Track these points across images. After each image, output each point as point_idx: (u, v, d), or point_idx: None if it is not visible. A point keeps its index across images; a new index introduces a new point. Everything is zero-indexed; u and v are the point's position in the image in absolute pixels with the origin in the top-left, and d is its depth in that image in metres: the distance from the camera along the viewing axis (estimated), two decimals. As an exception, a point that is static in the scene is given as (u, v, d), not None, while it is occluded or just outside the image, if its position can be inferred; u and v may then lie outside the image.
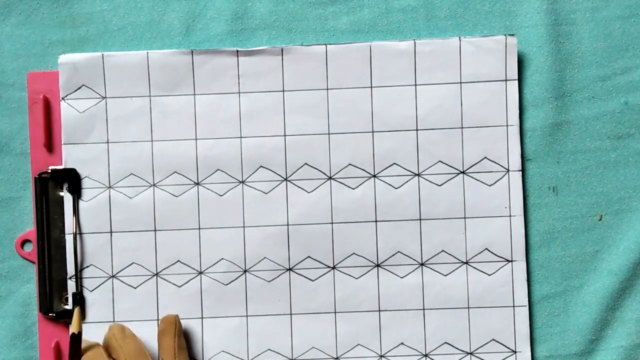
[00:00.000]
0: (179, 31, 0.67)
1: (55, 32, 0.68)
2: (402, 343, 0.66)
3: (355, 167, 0.66)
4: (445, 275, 0.66)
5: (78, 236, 0.66)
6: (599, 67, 0.66)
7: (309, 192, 0.66)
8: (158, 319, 0.66)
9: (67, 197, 0.66)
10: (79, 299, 0.66)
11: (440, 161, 0.66)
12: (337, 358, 0.66)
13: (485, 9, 0.67)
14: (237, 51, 0.66)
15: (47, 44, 0.68)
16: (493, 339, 0.66)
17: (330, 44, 0.66)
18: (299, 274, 0.66)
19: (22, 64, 0.67)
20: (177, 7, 0.67)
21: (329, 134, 0.66)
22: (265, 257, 0.66)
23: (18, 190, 0.67)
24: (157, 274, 0.66)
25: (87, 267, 0.66)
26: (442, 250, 0.66)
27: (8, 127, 0.67)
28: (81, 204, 0.66)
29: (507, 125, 0.66)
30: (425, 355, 0.66)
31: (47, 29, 0.68)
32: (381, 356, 0.66)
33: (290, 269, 0.66)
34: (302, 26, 0.67)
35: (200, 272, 0.66)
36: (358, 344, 0.66)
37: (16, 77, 0.67)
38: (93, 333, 0.66)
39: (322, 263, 0.66)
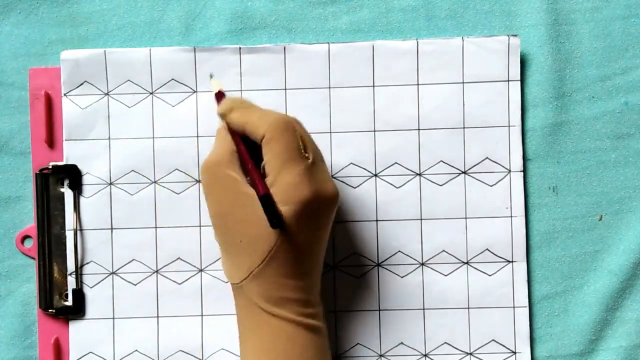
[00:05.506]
0: (178, 31, 0.67)
1: (55, 31, 0.67)
2: (401, 343, 0.66)
3: (357, 166, 0.66)
4: (446, 275, 0.66)
5: (78, 232, 0.66)
6: (599, 67, 0.67)
7: (310, 191, 0.66)
8: (158, 316, 0.66)
9: (68, 193, 0.66)
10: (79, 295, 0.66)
11: (441, 161, 0.66)
12: (336, 357, 0.66)
13: (485, 8, 0.67)
14: (240, 49, 0.66)
15: (46, 43, 0.67)
16: (493, 340, 0.66)
17: (333, 43, 0.66)
18: (299, 273, 0.66)
19: (22, 63, 0.67)
20: (176, 7, 0.67)
21: (330, 132, 0.66)
22: (266, 256, 0.66)
23: (17, 189, 0.67)
24: (157, 271, 0.66)
25: (88, 263, 0.66)
26: (443, 250, 0.66)
27: (8, 126, 0.67)
28: (82, 200, 0.66)
29: (509, 126, 0.66)
30: (425, 355, 0.66)
31: (46, 28, 0.68)
32: (381, 355, 0.66)
33: (290, 268, 0.66)
34: (302, 26, 0.67)
35: (201, 270, 0.66)
36: (358, 343, 0.66)
37: (16, 76, 0.67)
38: (93, 329, 0.66)
39: (322, 262, 0.66)
